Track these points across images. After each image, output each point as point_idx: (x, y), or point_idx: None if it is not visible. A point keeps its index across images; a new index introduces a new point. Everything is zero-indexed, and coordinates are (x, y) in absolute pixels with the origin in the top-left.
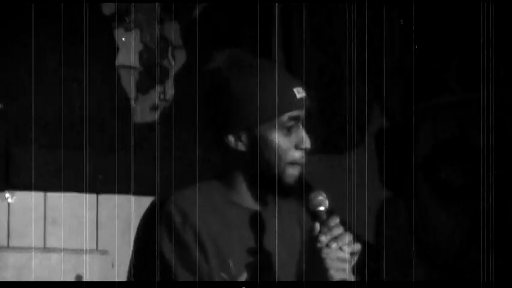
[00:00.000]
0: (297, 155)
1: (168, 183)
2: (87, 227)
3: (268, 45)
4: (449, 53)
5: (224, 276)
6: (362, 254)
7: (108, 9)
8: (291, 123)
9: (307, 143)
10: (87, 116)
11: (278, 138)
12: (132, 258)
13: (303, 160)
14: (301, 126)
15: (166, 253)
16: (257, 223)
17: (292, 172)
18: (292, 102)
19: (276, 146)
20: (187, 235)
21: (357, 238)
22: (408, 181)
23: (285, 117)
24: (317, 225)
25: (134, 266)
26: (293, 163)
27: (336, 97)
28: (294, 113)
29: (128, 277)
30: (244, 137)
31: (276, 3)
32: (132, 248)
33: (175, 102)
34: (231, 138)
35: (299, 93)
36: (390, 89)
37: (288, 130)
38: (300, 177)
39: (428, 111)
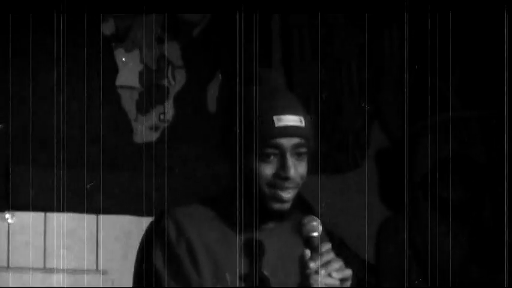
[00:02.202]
0: (278, 182)
1: (168, 201)
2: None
3: (268, 60)
4: (450, 69)
5: None
6: (361, 272)
7: (108, 29)
8: (270, 150)
9: (289, 172)
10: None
11: (258, 164)
12: (133, 276)
13: (284, 186)
14: (286, 154)
15: (160, 268)
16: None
17: (277, 196)
18: (268, 131)
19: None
20: (181, 248)
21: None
22: (408, 199)
23: (262, 144)
24: (307, 252)
25: (134, 282)
26: (276, 188)
27: (336, 113)
28: (274, 141)
29: None
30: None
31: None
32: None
33: (175, 121)
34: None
35: (280, 121)
36: (390, 107)
37: (268, 157)
38: (293, 203)
39: (427, 129)
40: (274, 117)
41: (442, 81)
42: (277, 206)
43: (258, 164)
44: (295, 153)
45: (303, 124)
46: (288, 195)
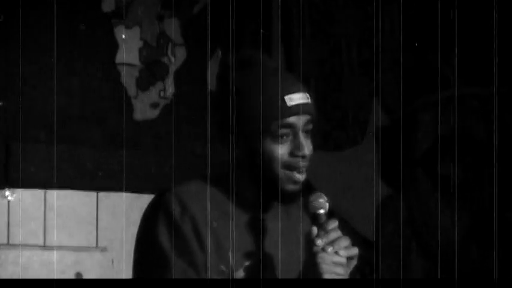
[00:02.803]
0: (293, 161)
1: (168, 179)
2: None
3: (268, 41)
4: (449, 47)
5: (223, 269)
6: (363, 251)
7: (107, 6)
8: (284, 131)
9: (304, 150)
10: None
11: (270, 145)
12: (134, 253)
13: (300, 165)
14: (299, 133)
15: (164, 243)
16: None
17: (293, 178)
18: (282, 111)
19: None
20: (185, 225)
21: (357, 235)
22: (408, 177)
23: (275, 125)
24: (314, 229)
25: (135, 260)
26: (291, 169)
27: (335, 90)
28: (286, 120)
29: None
30: (240, 142)
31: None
32: (134, 243)
33: (175, 98)
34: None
35: (291, 100)
36: (389, 84)
37: (282, 137)
38: (303, 183)
39: (427, 106)
40: (286, 97)
41: (442, 58)
42: (291, 187)
43: (272, 145)
44: (304, 131)
45: (309, 100)
46: (302, 175)
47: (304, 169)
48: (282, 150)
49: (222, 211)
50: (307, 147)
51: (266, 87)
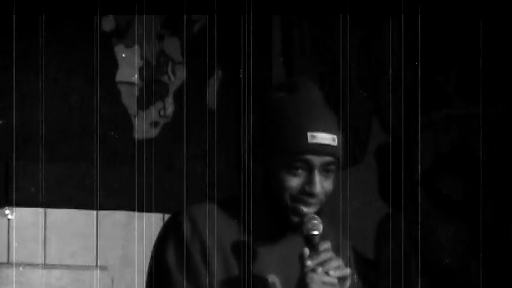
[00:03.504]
0: (302, 196)
1: (168, 198)
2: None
3: (268, 56)
4: (450, 65)
5: None
6: (362, 269)
7: (108, 25)
8: (299, 164)
9: (314, 188)
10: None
11: (284, 175)
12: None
13: (308, 201)
14: (314, 171)
15: (171, 265)
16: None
17: (298, 211)
18: (300, 145)
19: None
20: (195, 249)
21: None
22: (408, 196)
23: (292, 158)
24: (306, 250)
25: (147, 281)
26: (298, 202)
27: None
28: (303, 156)
29: None
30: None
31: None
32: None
33: (174, 117)
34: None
35: (313, 138)
36: (390, 103)
37: (296, 169)
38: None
39: (428, 125)
40: (308, 134)
41: (443, 77)
42: (296, 219)
43: (286, 176)
44: (323, 170)
45: (335, 143)
46: (310, 210)
47: (312, 206)
48: (293, 183)
49: (233, 237)
50: (320, 186)
51: (296, 117)
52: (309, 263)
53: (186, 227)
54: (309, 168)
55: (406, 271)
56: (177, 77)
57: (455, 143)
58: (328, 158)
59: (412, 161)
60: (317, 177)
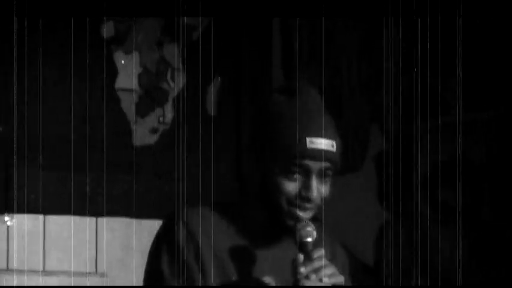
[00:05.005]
0: (299, 202)
1: (168, 205)
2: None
3: (268, 63)
4: (449, 72)
5: None
6: (360, 276)
7: (107, 32)
8: (297, 169)
9: (311, 193)
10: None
11: (281, 179)
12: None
13: (304, 206)
14: (312, 176)
15: (166, 272)
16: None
17: (294, 215)
18: (299, 151)
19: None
20: (189, 254)
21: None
22: (408, 202)
23: (290, 162)
24: (300, 257)
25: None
26: (294, 206)
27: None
28: (301, 161)
29: None
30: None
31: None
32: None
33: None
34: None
35: (312, 143)
36: (389, 109)
37: (293, 175)
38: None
39: (427, 132)
40: (307, 139)
41: (443, 83)
42: (291, 223)
43: (283, 180)
44: (320, 175)
45: (334, 149)
46: (305, 215)
47: (308, 211)
48: (290, 187)
49: (229, 241)
50: (317, 191)
51: (295, 122)
52: (302, 270)
53: (180, 231)
54: (307, 173)
55: (404, 277)
56: (176, 83)
57: (454, 149)
58: (325, 164)
59: (411, 167)
60: (314, 182)
